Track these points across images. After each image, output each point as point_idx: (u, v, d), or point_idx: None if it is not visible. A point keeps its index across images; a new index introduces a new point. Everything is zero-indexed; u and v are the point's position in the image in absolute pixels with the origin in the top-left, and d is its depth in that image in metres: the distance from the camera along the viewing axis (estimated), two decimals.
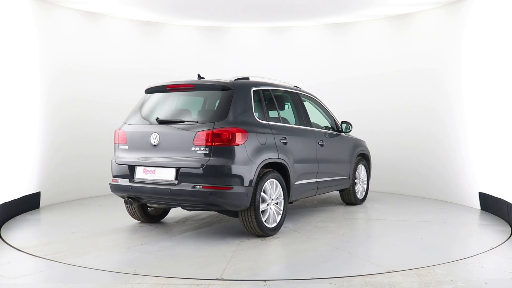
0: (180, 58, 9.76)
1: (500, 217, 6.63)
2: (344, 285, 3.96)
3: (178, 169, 5.32)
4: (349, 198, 7.87)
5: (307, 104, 6.98)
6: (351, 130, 7.58)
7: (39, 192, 7.50)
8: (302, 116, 6.66)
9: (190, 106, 6.06)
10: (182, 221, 6.52)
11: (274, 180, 5.69)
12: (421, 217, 6.90)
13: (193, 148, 5.29)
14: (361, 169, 8.06)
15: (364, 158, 8.19)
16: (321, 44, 9.97)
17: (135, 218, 6.41)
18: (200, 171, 5.20)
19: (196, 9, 8.60)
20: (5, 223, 6.33)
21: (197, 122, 5.44)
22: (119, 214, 6.99)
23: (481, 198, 7.21)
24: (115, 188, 5.85)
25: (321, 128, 7.11)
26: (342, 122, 7.52)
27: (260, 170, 5.46)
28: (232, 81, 5.71)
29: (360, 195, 8.01)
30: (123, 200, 6.28)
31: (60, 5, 8.05)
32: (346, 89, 9.75)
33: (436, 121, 8.38)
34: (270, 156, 5.61)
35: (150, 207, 6.33)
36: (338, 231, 6.04)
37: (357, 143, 7.97)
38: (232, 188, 5.19)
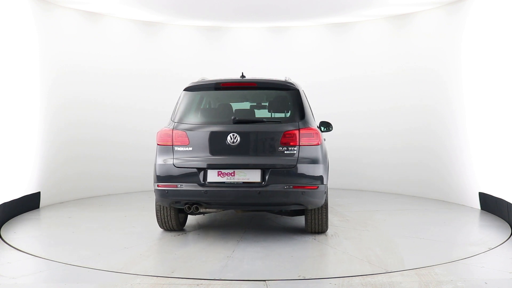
0: (180, 58, 9.75)
1: (500, 217, 6.63)
2: (344, 285, 3.96)
3: (264, 170, 5.16)
4: None
5: None
6: (331, 130, 7.50)
7: (39, 192, 7.49)
8: (312, 114, 6.73)
9: (260, 106, 6.05)
10: (204, 227, 6.14)
11: None
12: (422, 216, 6.91)
13: (280, 148, 5.23)
14: None
15: None
16: (321, 44, 9.97)
17: (164, 227, 5.79)
18: (291, 171, 5.17)
19: (196, 9, 8.59)
20: (5, 223, 6.33)
21: (280, 122, 5.45)
22: (124, 217, 6.96)
23: (481, 198, 7.21)
24: (177, 194, 5.21)
25: None
26: (322, 122, 7.43)
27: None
28: (291, 81, 5.77)
29: None
30: (157, 207, 5.59)
31: (60, 5, 8.05)
32: (346, 89, 9.73)
33: (436, 121, 8.37)
34: (327, 155, 5.74)
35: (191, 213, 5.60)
36: (371, 223, 6.29)
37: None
38: (318, 187, 5.24)
